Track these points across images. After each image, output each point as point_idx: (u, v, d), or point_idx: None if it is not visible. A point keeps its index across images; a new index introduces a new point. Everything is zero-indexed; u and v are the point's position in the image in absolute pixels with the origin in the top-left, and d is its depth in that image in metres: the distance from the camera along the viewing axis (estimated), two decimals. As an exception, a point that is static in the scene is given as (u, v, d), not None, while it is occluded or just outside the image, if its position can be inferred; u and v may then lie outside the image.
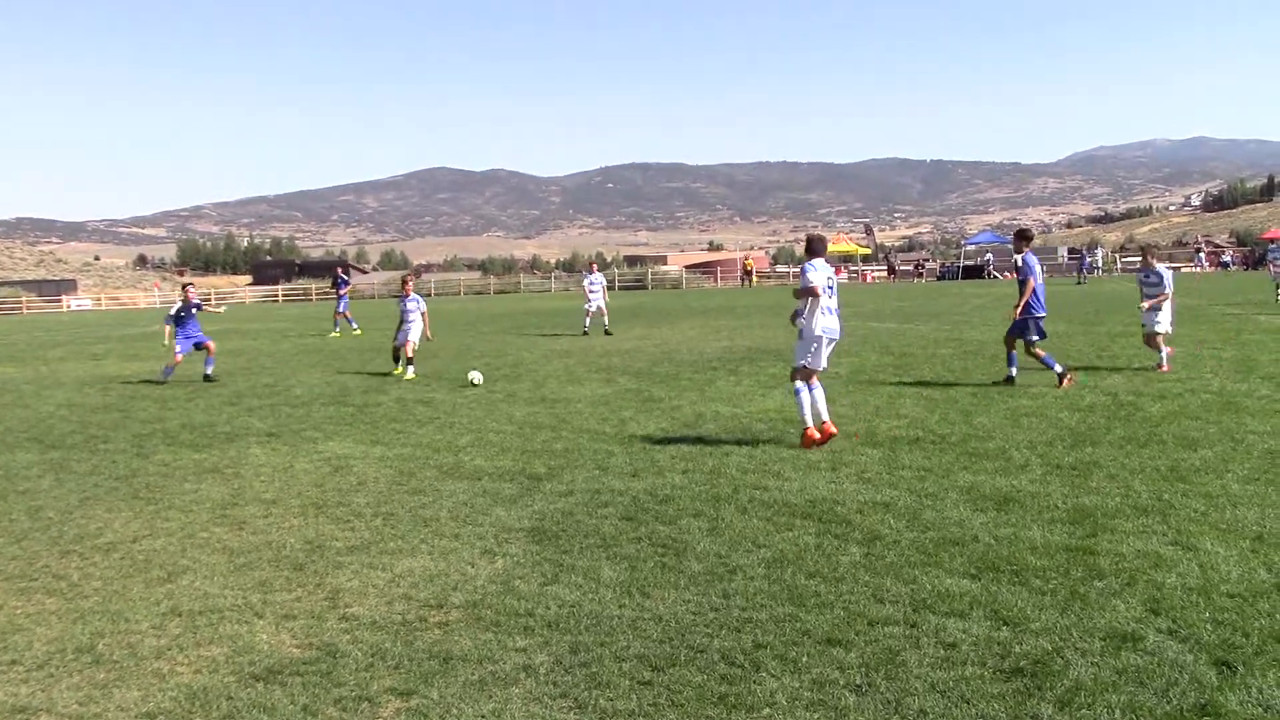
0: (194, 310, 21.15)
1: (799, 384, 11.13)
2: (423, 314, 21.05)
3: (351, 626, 6.12)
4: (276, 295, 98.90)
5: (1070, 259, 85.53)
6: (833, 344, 11.38)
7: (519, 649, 5.66)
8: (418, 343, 20.72)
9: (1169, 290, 16.92)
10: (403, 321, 20.82)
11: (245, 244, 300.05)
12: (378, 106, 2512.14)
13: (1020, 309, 14.99)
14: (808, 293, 11.04)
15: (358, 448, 12.17)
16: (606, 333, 30.15)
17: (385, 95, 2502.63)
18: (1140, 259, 19.90)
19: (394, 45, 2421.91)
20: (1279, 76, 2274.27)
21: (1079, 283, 59.99)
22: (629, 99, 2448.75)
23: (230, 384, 19.71)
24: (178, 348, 20.47)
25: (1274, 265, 31.63)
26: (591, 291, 31.49)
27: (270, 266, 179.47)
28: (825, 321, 11.15)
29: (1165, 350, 16.32)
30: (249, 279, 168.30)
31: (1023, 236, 16.28)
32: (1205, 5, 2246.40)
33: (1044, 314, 15.27)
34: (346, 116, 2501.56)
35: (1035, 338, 15.05)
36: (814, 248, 11.54)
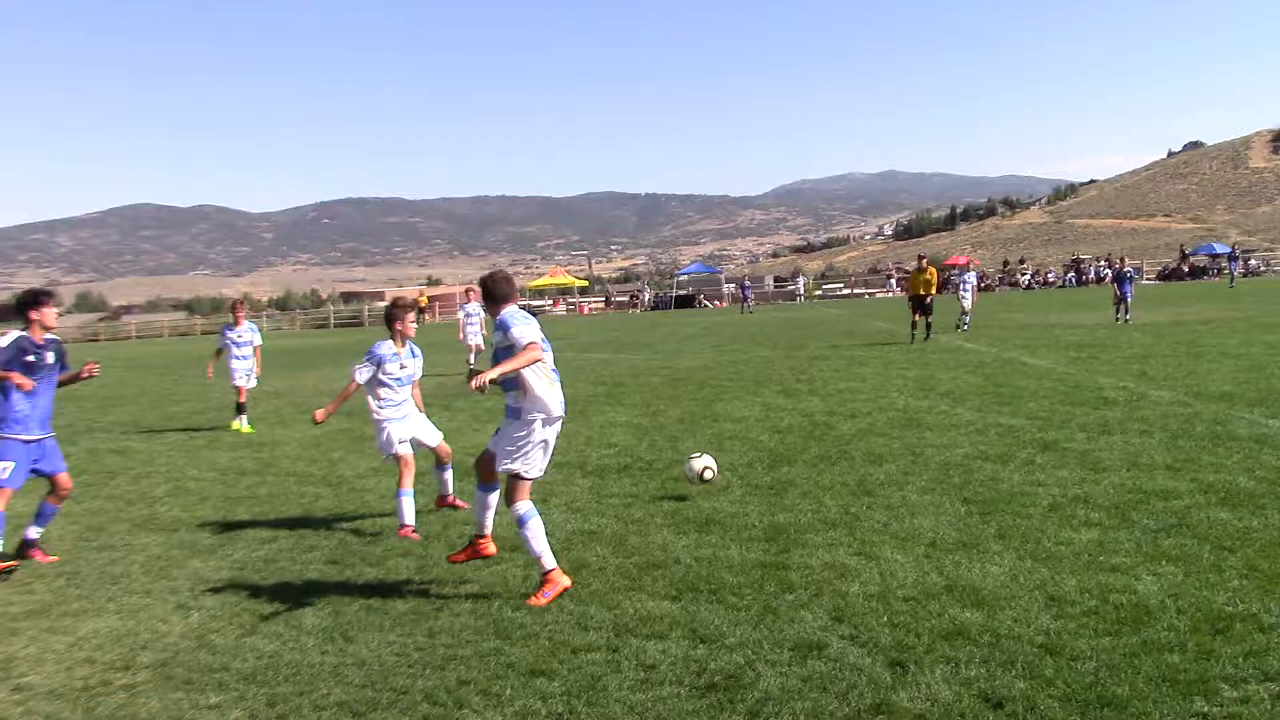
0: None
1: (527, 508, 7.08)
2: (255, 349, 18.04)
3: (25, 697, 5.70)
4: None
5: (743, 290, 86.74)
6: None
7: (211, 706, 5.42)
8: (251, 384, 17.99)
9: None
10: (230, 358, 17.80)
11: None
12: (72, 140, 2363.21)
13: None
14: (526, 357, 6.82)
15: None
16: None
17: (81, 128, 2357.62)
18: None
19: (91, 75, 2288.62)
20: (958, 116, 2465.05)
21: (747, 311, 63.31)
22: (345, 133, 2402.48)
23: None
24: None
25: (961, 289, 32.99)
26: (469, 324, 26.23)
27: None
28: (554, 394, 7.17)
29: None
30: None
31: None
32: (888, 51, 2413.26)
33: None
34: (37, 150, 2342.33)
35: None
36: (499, 291, 7.32)
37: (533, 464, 7.06)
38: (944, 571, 6.95)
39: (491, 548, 7.68)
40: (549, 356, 7.10)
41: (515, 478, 7.04)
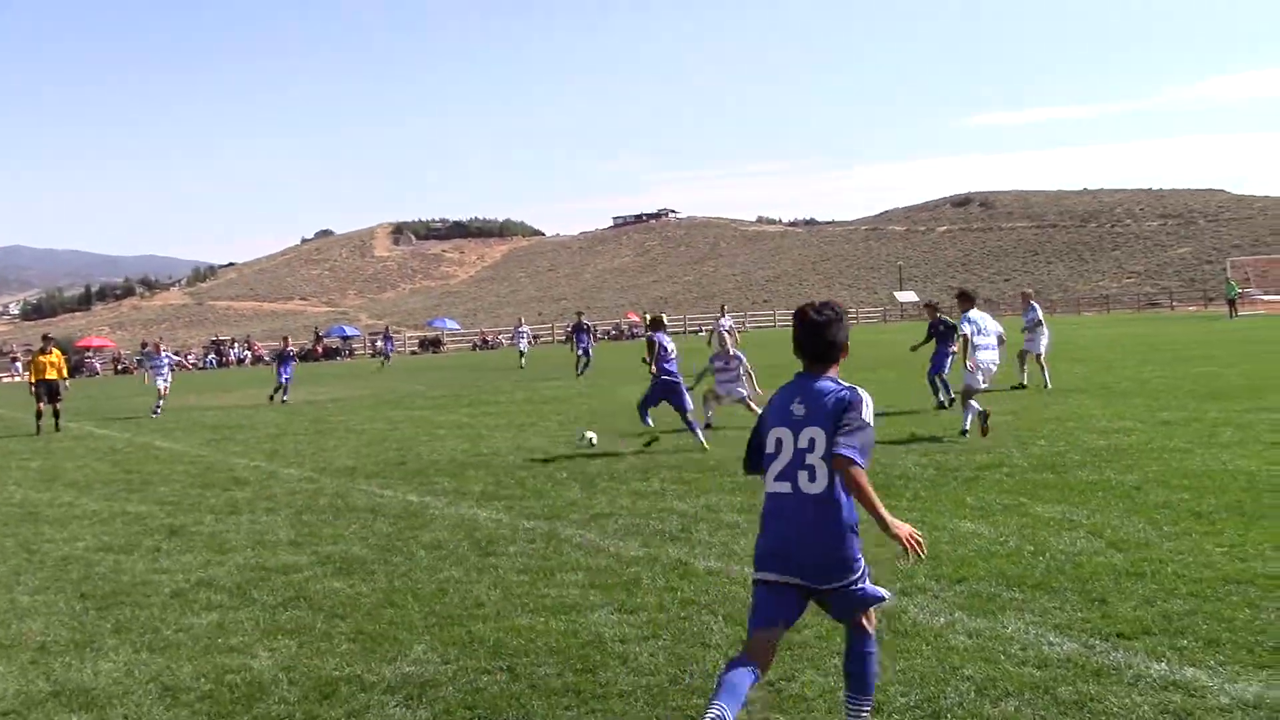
0: None
1: None
2: None
3: None
4: None
5: None
6: None
7: None
8: None
9: None
10: None
11: None
12: None
13: None
14: None
15: None
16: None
17: None
18: None
19: None
20: (90, 191, 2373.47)
21: None
22: None
23: None
24: None
25: (155, 371, 30.95)
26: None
27: None
28: None
29: None
30: None
31: None
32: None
33: None
34: None
35: None
36: None
37: None
38: (52, 676, 6.49)
39: None
40: None
41: None
